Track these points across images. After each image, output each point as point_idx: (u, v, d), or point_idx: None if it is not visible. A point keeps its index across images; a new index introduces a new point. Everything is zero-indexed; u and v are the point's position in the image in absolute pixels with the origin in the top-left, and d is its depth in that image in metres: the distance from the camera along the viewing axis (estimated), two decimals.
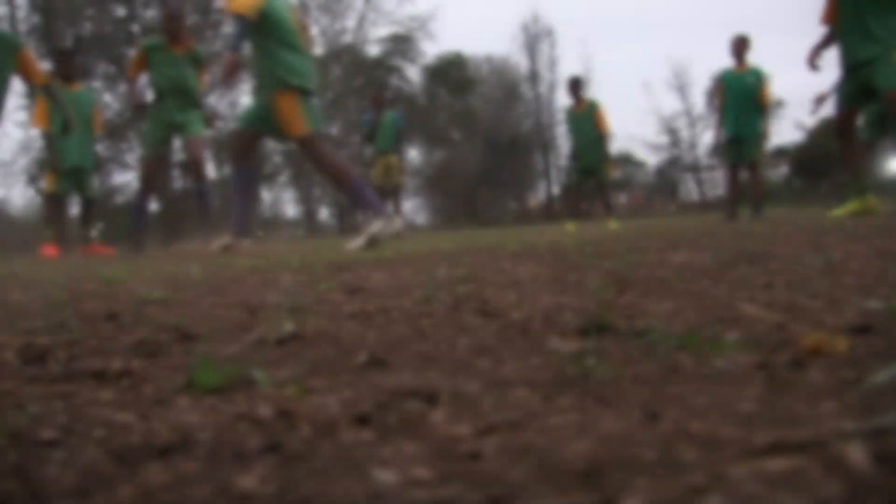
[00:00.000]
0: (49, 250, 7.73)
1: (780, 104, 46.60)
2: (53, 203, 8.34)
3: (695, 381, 0.71)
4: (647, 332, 0.94)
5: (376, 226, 4.91)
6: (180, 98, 6.80)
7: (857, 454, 0.47)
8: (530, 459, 0.50)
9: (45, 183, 8.34)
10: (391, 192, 11.97)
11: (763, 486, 0.43)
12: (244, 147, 5.54)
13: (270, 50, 5.24)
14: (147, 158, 7.05)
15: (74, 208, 9.47)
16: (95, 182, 8.69)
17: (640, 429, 0.56)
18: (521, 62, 55.94)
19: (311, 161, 5.56)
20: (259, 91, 5.38)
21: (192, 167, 7.23)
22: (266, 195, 45.99)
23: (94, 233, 8.73)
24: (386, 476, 0.48)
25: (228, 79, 5.27)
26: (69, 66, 8.35)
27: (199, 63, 7.04)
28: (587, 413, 0.62)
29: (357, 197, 5.25)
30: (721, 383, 0.69)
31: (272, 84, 5.24)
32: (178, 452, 0.56)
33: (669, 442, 0.52)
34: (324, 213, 44.72)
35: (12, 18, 29.76)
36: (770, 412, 0.59)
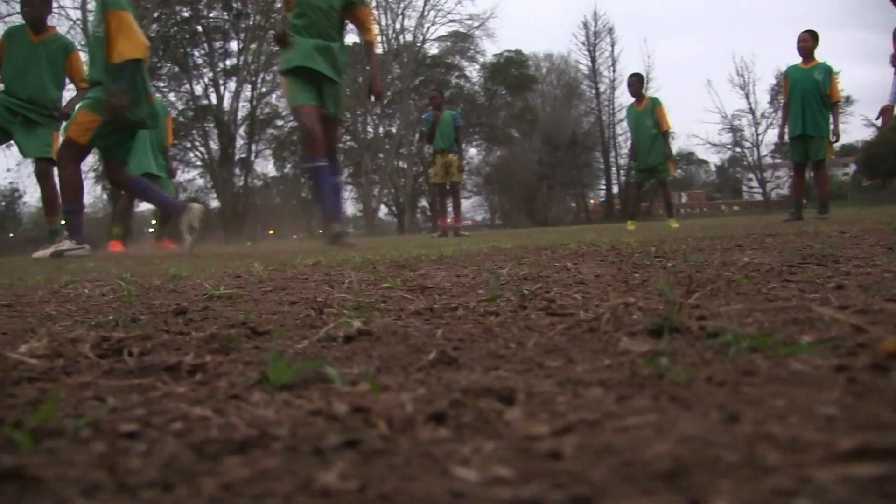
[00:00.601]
0: (116, 246, 8.08)
1: (848, 101, 45.71)
2: (127, 202, 8.73)
3: (771, 383, 0.70)
4: (718, 334, 0.93)
5: (66, 244, 5.94)
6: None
7: None
8: (612, 459, 0.50)
9: None
10: (450, 190, 12.01)
11: (852, 491, 0.43)
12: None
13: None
14: (305, 107, 6.18)
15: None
16: (171, 185, 9.02)
17: (720, 430, 0.55)
18: (581, 60, 55.70)
19: (59, 159, 6.22)
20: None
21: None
22: None
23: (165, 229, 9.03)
24: (467, 474, 0.48)
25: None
26: None
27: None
28: (664, 414, 0.61)
29: (72, 216, 6.13)
30: (799, 386, 0.68)
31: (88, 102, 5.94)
32: (257, 447, 0.57)
33: (751, 444, 0.51)
34: (383, 211, 45.06)
35: (84, 23, 30.59)
36: (853, 416, 0.58)
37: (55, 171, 6.42)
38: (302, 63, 5.99)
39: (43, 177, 6.76)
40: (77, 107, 6.03)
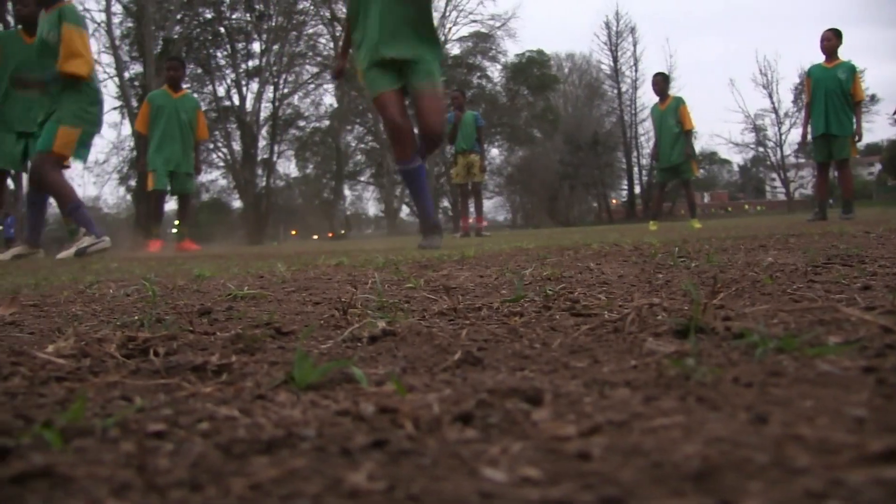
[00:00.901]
0: (155, 245, 8.29)
1: (872, 100, 45.27)
2: (156, 200, 8.88)
3: (799, 384, 0.69)
4: (744, 334, 0.92)
5: (86, 240, 6.09)
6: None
7: None
8: (640, 460, 0.49)
9: (149, 182, 8.79)
10: (472, 191, 12.01)
11: (884, 493, 0.42)
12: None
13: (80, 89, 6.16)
14: (381, 95, 5.40)
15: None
16: (192, 182, 9.13)
17: (749, 431, 0.55)
18: (603, 60, 55.55)
19: (33, 175, 6.44)
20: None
21: (425, 131, 5.52)
22: (348, 193, 46.62)
23: (185, 230, 9.13)
24: (496, 475, 0.48)
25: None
26: (178, 73, 8.89)
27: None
28: (692, 415, 0.61)
29: (76, 215, 6.27)
30: (827, 387, 0.68)
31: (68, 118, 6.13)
32: (285, 447, 0.57)
33: (780, 445, 0.51)
34: (405, 212, 45.10)
35: (109, 25, 30.88)
36: (882, 418, 0.57)
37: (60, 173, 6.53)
38: (372, 60, 5.36)
39: None
40: (55, 122, 6.09)
